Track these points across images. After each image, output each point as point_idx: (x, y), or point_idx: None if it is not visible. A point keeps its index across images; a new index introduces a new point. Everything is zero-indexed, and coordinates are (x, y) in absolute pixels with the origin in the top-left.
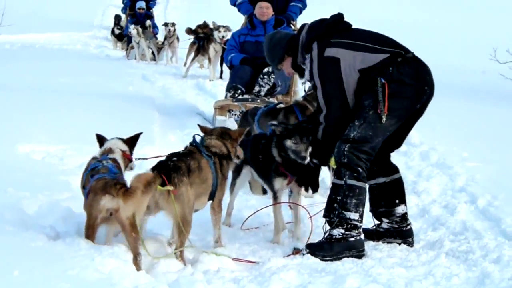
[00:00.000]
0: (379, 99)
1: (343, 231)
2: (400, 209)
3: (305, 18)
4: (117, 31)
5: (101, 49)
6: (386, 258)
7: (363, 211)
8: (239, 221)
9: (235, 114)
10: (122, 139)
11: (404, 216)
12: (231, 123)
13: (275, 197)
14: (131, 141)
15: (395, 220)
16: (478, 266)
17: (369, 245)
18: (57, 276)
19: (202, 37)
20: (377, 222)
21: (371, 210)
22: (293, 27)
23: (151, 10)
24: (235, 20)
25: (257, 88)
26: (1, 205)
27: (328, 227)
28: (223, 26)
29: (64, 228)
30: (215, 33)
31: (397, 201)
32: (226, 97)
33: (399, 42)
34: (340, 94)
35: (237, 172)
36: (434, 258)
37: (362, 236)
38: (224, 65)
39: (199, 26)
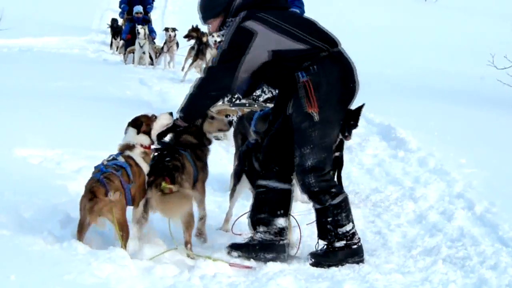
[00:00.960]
0: (303, 105)
1: (344, 242)
2: (281, 221)
3: None
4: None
5: (99, 53)
6: (383, 264)
7: (352, 216)
8: (236, 226)
9: (232, 119)
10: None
11: (282, 230)
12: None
13: None
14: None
15: (272, 231)
16: (475, 272)
17: (366, 251)
18: (54, 281)
19: (200, 40)
20: (252, 231)
21: (250, 217)
22: None
23: (148, 15)
24: None
25: (258, 93)
26: None
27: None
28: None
29: (61, 233)
30: (209, 38)
31: (279, 212)
32: (223, 102)
33: (333, 35)
34: (234, 63)
35: (237, 179)
36: (431, 265)
37: (361, 241)
38: None
39: (191, 30)
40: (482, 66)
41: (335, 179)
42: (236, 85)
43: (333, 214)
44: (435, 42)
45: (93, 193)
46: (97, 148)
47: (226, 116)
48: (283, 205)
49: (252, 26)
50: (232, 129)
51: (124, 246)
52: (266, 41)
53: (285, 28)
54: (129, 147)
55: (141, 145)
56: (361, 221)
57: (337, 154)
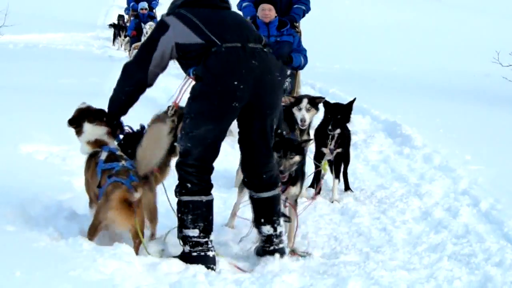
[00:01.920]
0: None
1: (188, 248)
2: (265, 229)
3: (309, 20)
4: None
5: (104, 49)
6: (388, 260)
7: (206, 225)
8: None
9: None
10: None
11: (269, 238)
12: (234, 124)
13: None
14: None
15: (261, 239)
16: (480, 269)
17: (371, 247)
18: (59, 277)
19: None
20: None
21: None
22: (296, 29)
23: (154, 11)
24: None
25: None
26: (4, 205)
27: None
28: None
29: (66, 229)
30: None
31: (262, 220)
32: None
33: (247, 32)
34: (147, 58)
35: None
36: (436, 261)
37: (210, 253)
38: None
39: None
40: (487, 63)
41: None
42: (152, 80)
43: (180, 212)
44: (440, 39)
45: (125, 202)
46: None
47: None
48: (262, 213)
49: (169, 20)
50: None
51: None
52: (174, 34)
53: (193, 22)
54: None
55: None
56: (366, 218)
57: (339, 150)
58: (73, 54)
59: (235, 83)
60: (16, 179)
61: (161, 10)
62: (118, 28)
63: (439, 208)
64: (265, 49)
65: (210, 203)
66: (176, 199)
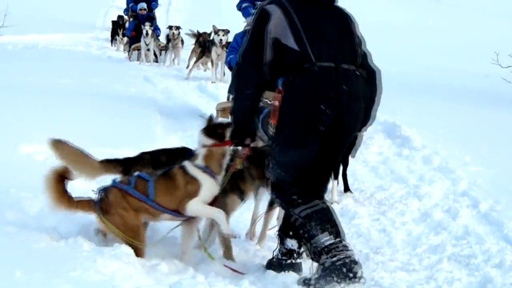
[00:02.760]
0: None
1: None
2: (289, 243)
3: None
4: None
5: (103, 50)
6: (388, 262)
7: (335, 226)
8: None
9: None
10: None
11: (291, 252)
12: None
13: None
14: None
15: (282, 251)
16: (480, 270)
17: (371, 248)
18: (59, 278)
19: (201, 41)
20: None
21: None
22: None
23: (153, 12)
24: (235, 22)
25: None
26: (3, 206)
27: None
28: (223, 30)
29: (66, 229)
30: (215, 37)
31: (290, 233)
32: (228, 99)
33: (345, 51)
34: (256, 51)
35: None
36: (436, 263)
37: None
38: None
39: (195, 36)
40: (487, 64)
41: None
42: (267, 74)
43: (301, 227)
44: (439, 40)
45: None
46: (103, 145)
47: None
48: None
49: (271, 8)
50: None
51: None
52: (274, 26)
53: (294, 20)
54: None
55: None
56: (366, 219)
57: None
58: (72, 55)
59: (322, 107)
60: (15, 179)
61: (160, 11)
62: (117, 27)
63: (438, 209)
64: (357, 71)
65: (328, 208)
66: (292, 221)
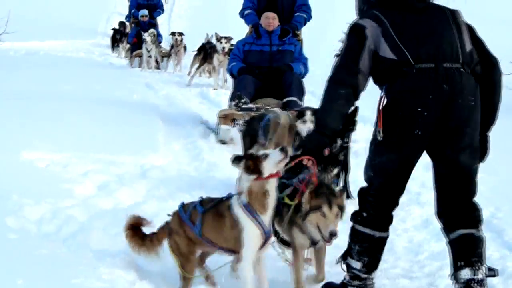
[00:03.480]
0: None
1: (347, 278)
2: (463, 273)
3: (310, 28)
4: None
5: (105, 56)
6: (390, 269)
7: (371, 261)
8: None
9: (239, 124)
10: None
11: (468, 284)
12: (235, 132)
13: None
14: None
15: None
16: None
17: None
18: (61, 285)
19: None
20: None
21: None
22: (297, 37)
23: (155, 19)
24: (238, 29)
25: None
26: (5, 212)
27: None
28: (225, 37)
29: (67, 236)
30: (217, 44)
31: (460, 263)
32: (229, 106)
33: (441, 48)
34: (352, 65)
35: None
36: (437, 270)
37: None
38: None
39: (200, 48)
40: None
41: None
42: (362, 84)
43: (351, 239)
44: None
45: None
46: (105, 152)
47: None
48: (460, 254)
49: (363, 22)
50: (237, 131)
51: None
52: (372, 40)
53: (389, 31)
54: None
55: None
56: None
57: (341, 158)
58: (74, 61)
59: (419, 109)
60: (17, 186)
61: (162, 18)
62: (120, 34)
63: None
64: (462, 69)
65: (382, 240)
66: (351, 224)
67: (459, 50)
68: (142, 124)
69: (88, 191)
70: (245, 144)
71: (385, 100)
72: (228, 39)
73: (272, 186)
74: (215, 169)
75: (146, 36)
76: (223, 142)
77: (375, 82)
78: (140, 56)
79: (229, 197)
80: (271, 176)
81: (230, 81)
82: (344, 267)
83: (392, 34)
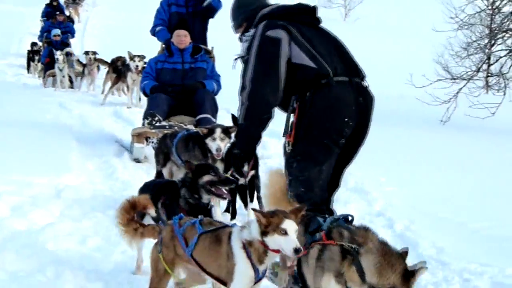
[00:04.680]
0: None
1: None
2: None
3: (225, 44)
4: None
5: (18, 77)
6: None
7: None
8: None
9: (153, 142)
10: None
11: None
12: (149, 150)
13: None
14: None
15: None
16: None
17: None
18: None
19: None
20: None
21: None
22: (210, 55)
23: (67, 38)
24: (150, 48)
25: None
26: None
27: None
28: (138, 56)
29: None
30: (131, 63)
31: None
32: (143, 124)
33: (354, 64)
34: (274, 76)
35: None
36: None
37: None
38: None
39: (110, 64)
40: (401, 85)
41: None
42: (281, 97)
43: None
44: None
45: None
46: (18, 173)
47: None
48: None
49: (275, 34)
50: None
51: None
52: (288, 49)
53: (302, 41)
54: None
55: None
56: None
57: (252, 172)
58: None
59: (345, 119)
60: None
61: (75, 38)
62: (33, 53)
63: None
64: (363, 83)
65: None
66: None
67: (358, 67)
68: (55, 144)
69: (1, 213)
70: (158, 161)
71: (303, 111)
72: (141, 57)
73: (272, 255)
74: (129, 188)
75: (58, 55)
76: (137, 160)
77: (284, 92)
78: (54, 75)
79: (232, 225)
80: (273, 250)
81: (144, 99)
82: None
83: (306, 44)
